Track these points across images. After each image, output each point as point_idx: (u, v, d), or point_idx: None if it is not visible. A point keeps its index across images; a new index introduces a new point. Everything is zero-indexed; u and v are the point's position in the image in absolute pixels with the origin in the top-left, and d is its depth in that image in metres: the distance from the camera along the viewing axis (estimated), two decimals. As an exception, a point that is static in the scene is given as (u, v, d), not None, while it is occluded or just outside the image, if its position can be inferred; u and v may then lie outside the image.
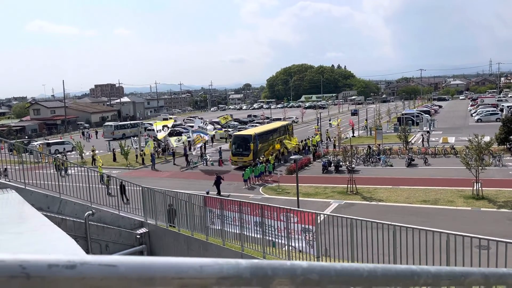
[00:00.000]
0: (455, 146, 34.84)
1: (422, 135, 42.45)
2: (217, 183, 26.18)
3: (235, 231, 11.64)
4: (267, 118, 67.97)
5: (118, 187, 17.82)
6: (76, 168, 23.24)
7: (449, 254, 7.56)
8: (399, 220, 15.08)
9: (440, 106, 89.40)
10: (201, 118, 52.91)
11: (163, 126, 43.97)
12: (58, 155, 40.92)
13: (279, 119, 61.79)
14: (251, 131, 38.71)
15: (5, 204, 9.55)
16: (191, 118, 73.02)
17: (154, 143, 42.22)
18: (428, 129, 48.61)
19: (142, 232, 13.53)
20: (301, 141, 40.71)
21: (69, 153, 46.33)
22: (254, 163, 31.13)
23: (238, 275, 0.72)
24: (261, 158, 33.31)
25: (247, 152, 33.99)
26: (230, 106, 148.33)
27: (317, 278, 0.81)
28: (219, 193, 25.24)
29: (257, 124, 63.11)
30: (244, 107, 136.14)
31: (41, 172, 12.69)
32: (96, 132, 68.13)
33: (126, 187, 14.25)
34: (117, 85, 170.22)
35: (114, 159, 40.81)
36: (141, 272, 0.65)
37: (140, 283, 0.65)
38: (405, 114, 57.65)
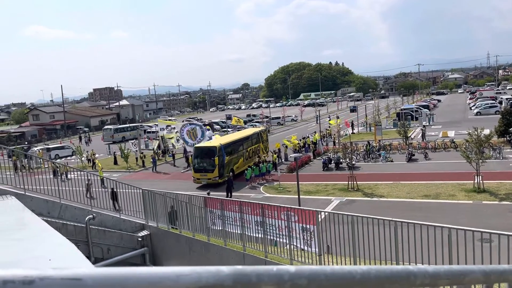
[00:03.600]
0: (455, 140, 34.79)
1: (421, 129, 42.43)
2: (229, 187, 25.55)
3: (236, 231, 11.60)
4: (267, 117, 67.88)
5: (110, 193, 17.31)
6: (76, 173, 23.26)
7: (451, 249, 7.52)
8: (400, 215, 15.04)
9: (439, 100, 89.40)
10: (199, 119, 52.83)
11: (167, 126, 43.79)
12: (57, 160, 40.90)
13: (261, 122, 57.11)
14: (216, 141, 32.57)
15: (5, 210, 9.51)
16: (190, 119, 72.95)
17: (158, 142, 42.06)
18: (425, 124, 48.55)
19: (143, 234, 13.49)
20: (301, 139, 40.64)
21: (69, 158, 46.29)
22: (220, 180, 27.92)
23: (219, 283, 0.67)
24: (229, 174, 29.04)
25: (212, 167, 28.68)
26: (229, 106, 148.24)
27: (305, 283, 0.76)
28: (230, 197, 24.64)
29: (259, 124, 63.11)
30: (243, 107, 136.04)
31: (41, 178, 12.66)
32: (84, 138, 66.63)
33: (126, 191, 14.14)
34: (115, 89, 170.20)
35: (115, 162, 40.77)
36: (111, 285, 0.60)
37: (109, 297, 0.61)
38: (404, 109, 57.59)
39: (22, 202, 10.11)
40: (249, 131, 38.16)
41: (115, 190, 17.20)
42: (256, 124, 62.92)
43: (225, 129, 54.98)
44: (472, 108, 63.86)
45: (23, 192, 11.09)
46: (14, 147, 32.66)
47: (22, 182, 11.43)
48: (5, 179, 11.53)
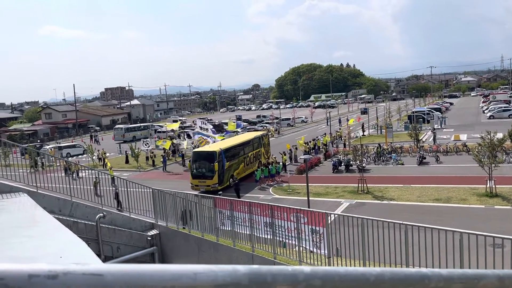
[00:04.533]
0: (467, 144, 34.40)
1: (432, 132, 42.04)
2: (237, 189, 25.57)
3: (245, 232, 11.61)
4: (276, 118, 67.84)
5: (114, 193, 17.24)
6: (87, 171, 23.47)
7: (463, 253, 7.44)
8: (411, 219, 14.90)
9: (451, 103, 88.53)
10: (202, 119, 52.97)
11: (172, 130, 44.13)
12: (68, 159, 41.33)
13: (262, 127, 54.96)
14: (215, 146, 30.65)
15: (17, 207, 9.64)
16: (201, 119, 73.13)
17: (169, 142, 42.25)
18: (436, 127, 48.12)
19: (153, 234, 13.56)
20: (311, 141, 40.53)
21: (80, 156, 46.74)
22: (220, 187, 26.50)
23: (236, 282, 0.68)
24: (229, 181, 27.90)
25: (211, 173, 27.12)
26: (239, 107, 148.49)
27: (319, 283, 0.77)
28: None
29: (271, 124, 63.10)
30: (253, 108, 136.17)
31: (53, 176, 12.81)
32: (94, 137, 66.88)
33: (136, 190, 14.22)
34: (127, 88, 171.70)
35: (127, 161, 41.12)
36: (130, 282, 0.61)
37: (129, 293, 0.62)
38: (416, 112, 57.13)
39: (34, 199, 10.23)
40: (250, 135, 36.57)
41: (117, 190, 17.28)
42: (266, 125, 62.99)
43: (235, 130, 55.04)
44: (485, 111, 63.10)
45: (35, 190, 11.22)
46: (27, 145, 33.06)
47: (34, 180, 11.57)
48: (17, 176, 11.71)
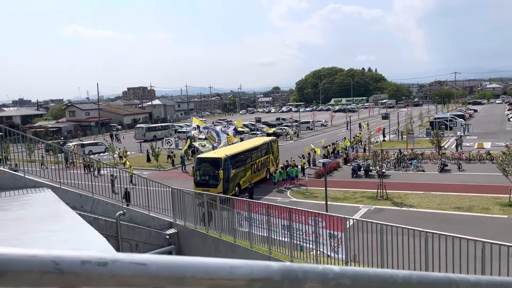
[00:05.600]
0: (491, 152, 33.64)
1: (456, 139, 41.23)
2: (250, 192, 25.21)
3: (262, 234, 11.63)
4: (296, 121, 67.66)
5: (123, 193, 17.33)
6: (108, 169, 23.87)
7: (484, 264, 7.29)
8: (431, 227, 14.66)
9: (475, 110, 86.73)
10: (229, 121, 52.97)
11: (198, 126, 44.11)
12: (90, 156, 42.09)
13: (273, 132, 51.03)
14: (221, 152, 28.43)
15: (41, 202, 9.88)
16: (220, 121, 73.64)
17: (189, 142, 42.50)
18: (459, 134, 47.21)
19: (171, 232, 13.72)
20: (330, 144, 40.29)
21: (101, 154, 47.58)
22: (225, 196, 24.26)
23: (269, 277, 0.70)
24: (235, 190, 26.11)
25: (215, 181, 25.14)
26: (258, 109, 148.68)
27: (349, 283, 0.78)
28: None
29: (292, 124, 63.00)
30: (273, 110, 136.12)
31: (75, 172, 13.09)
32: (115, 135, 67.51)
33: (155, 189, 14.39)
34: (148, 88, 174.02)
35: (148, 160, 41.66)
36: (172, 271, 0.64)
37: (170, 282, 0.65)
38: (438, 118, 56.18)
39: (57, 195, 10.47)
40: (258, 140, 34.36)
41: (128, 190, 17.44)
42: (285, 128, 62.89)
43: (254, 132, 55.16)
44: (511, 119, 61.61)
45: (58, 186, 11.48)
46: (51, 141, 33.84)
47: (58, 176, 11.85)
48: (42, 172, 12.02)
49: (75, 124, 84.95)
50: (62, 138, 68.82)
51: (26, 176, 10.98)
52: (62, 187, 11.52)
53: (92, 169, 22.94)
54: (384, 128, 52.36)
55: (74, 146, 47.55)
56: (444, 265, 7.60)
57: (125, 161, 36.85)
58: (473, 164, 32.60)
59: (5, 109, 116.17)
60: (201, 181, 25.61)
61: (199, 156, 28.99)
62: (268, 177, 30.88)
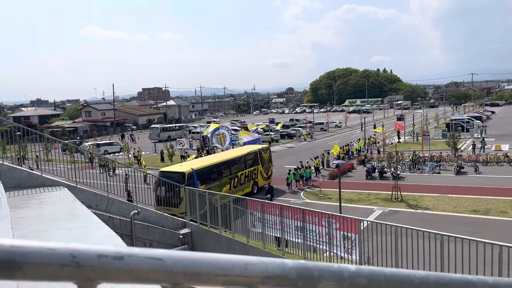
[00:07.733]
0: (509, 154, 33.02)
1: (473, 142, 40.54)
2: (270, 193, 23.52)
3: (275, 235, 11.62)
4: (310, 122, 67.38)
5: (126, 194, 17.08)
6: (123, 168, 24.10)
7: (502, 267, 7.15)
8: (446, 229, 14.43)
9: (492, 112, 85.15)
10: (243, 122, 52.89)
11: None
12: (106, 156, 42.57)
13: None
14: (188, 165, 25.05)
15: (58, 201, 10.04)
16: (234, 122, 73.78)
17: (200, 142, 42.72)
18: (477, 136, 46.44)
19: (184, 232, 13.81)
20: (344, 146, 40.04)
21: (117, 154, 48.09)
22: (190, 218, 16.06)
23: (284, 275, 0.70)
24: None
25: (177, 200, 19.96)
26: (272, 110, 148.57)
27: (365, 282, 0.77)
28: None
29: (305, 125, 62.75)
30: (287, 111, 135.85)
31: (90, 172, 13.27)
32: (131, 135, 67.74)
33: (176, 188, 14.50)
34: (163, 89, 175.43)
35: (162, 160, 42.06)
36: (187, 267, 0.65)
37: (185, 278, 0.65)
38: (454, 120, 55.34)
39: (73, 193, 10.63)
40: (240, 150, 30.14)
41: (130, 189, 17.56)
42: (299, 129, 62.68)
43: (267, 132, 55.06)
44: (529, 121, 60.36)
45: (74, 185, 11.65)
46: (67, 141, 34.39)
47: (74, 175, 12.03)
48: (58, 171, 12.20)
49: (91, 124, 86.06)
50: (78, 138, 69.78)
51: (43, 175, 11.16)
52: (78, 186, 11.69)
53: (107, 169, 23.22)
54: (398, 129, 51.78)
55: (90, 146, 48.17)
56: (460, 269, 7.48)
57: (141, 160, 37.20)
58: (490, 167, 32.03)
59: (23, 109, 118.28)
60: (162, 199, 19.60)
61: (161, 169, 24.85)
62: (255, 192, 27.21)
